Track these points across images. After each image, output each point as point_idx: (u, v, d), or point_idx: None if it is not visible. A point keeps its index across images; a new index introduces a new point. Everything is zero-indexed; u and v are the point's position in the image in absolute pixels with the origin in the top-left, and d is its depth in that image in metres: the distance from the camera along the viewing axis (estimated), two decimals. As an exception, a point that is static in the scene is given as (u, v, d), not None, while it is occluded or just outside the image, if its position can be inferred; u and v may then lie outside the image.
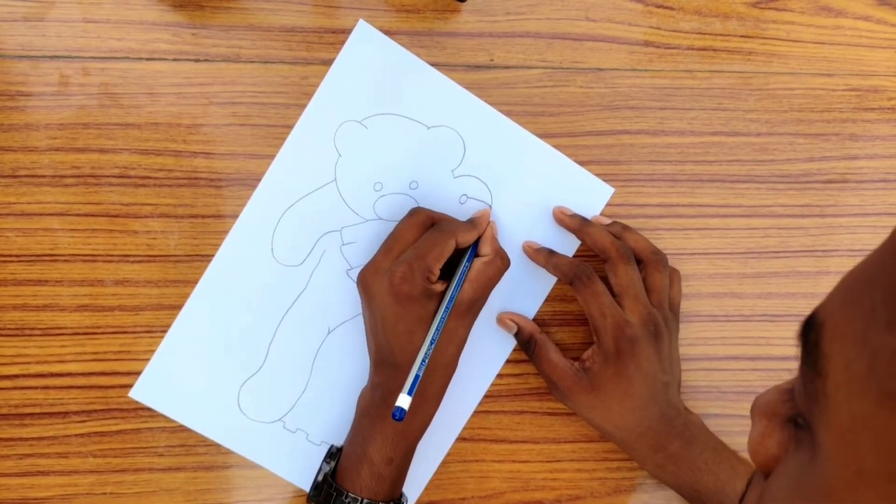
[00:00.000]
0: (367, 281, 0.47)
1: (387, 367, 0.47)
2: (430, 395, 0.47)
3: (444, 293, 0.46)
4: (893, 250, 0.21)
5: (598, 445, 0.54)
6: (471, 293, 0.47)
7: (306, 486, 0.52)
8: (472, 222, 0.49)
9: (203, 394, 0.51)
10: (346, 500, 0.45)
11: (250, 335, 0.51)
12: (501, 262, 0.48)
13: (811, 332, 0.23)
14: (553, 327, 0.53)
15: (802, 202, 0.54)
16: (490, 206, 0.52)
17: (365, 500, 0.45)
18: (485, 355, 0.53)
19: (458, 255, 0.48)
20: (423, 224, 0.48)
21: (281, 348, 0.51)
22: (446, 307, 0.45)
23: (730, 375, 0.55)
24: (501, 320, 0.52)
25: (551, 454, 0.54)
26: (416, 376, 0.43)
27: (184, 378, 0.51)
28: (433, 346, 0.44)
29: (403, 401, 0.42)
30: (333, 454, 0.49)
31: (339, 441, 0.51)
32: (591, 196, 0.53)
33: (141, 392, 0.50)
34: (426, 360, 0.44)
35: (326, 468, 0.48)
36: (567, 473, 0.54)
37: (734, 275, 0.54)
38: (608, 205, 0.53)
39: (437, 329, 0.45)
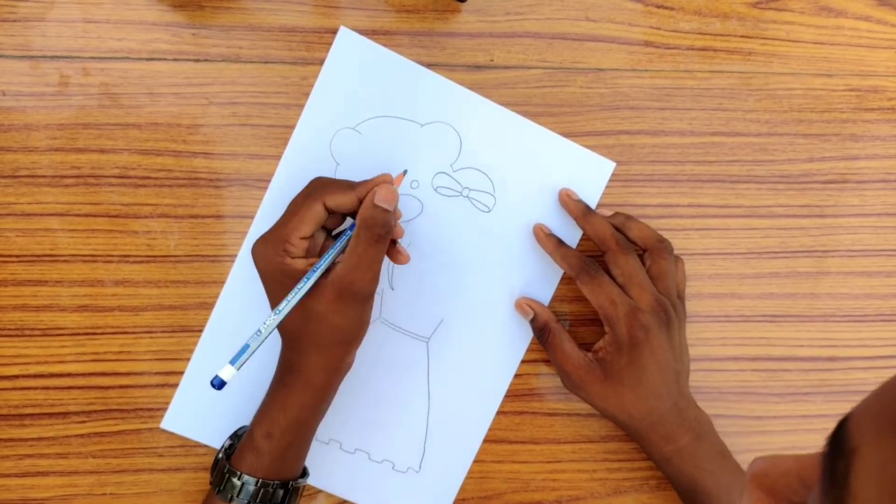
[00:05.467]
0: (251, 254, 0.45)
1: (283, 337, 0.45)
2: (308, 371, 0.44)
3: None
4: None
5: (599, 446, 0.54)
6: (342, 275, 0.41)
7: (350, 496, 0.52)
8: (351, 185, 0.43)
9: (232, 416, 0.50)
10: (238, 480, 0.43)
11: (270, 353, 0.51)
12: (381, 231, 0.41)
13: (841, 457, 0.19)
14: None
15: (802, 202, 0.54)
16: (405, 172, 0.47)
17: (251, 479, 0.43)
18: (499, 357, 0.53)
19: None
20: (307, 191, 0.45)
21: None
22: (297, 288, 0.41)
23: (730, 376, 0.55)
24: (519, 304, 0.52)
25: (551, 455, 0.54)
26: (245, 347, 0.39)
27: (210, 403, 0.51)
28: (266, 334, 0.40)
29: (224, 371, 0.39)
30: (239, 435, 0.48)
31: (378, 447, 0.51)
32: (592, 173, 0.52)
33: (172, 422, 0.51)
34: (257, 342, 0.40)
35: (226, 444, 0.46)
36: (567, 474, 0.54)
37: (734, 275, 0.54)
38: (610, 181, 0.53)
39: (280, 310, 0.41)
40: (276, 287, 0.43)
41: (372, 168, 0.50)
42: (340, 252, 0.43)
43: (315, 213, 0.42)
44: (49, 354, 0.50)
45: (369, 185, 0.43)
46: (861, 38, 0.54)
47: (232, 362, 0.39)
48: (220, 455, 0.46)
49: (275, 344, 0.46)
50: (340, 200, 0.42)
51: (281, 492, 0.44)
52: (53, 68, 0.49)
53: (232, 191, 0.50)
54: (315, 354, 0.44)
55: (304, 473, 0.48)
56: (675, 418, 0.48)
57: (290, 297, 0.41)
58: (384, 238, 0.42)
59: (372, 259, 0.42)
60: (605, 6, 0.52)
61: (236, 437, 0.48)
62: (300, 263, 0.42)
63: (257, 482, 0.43)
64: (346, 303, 0.42)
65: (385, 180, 0.44)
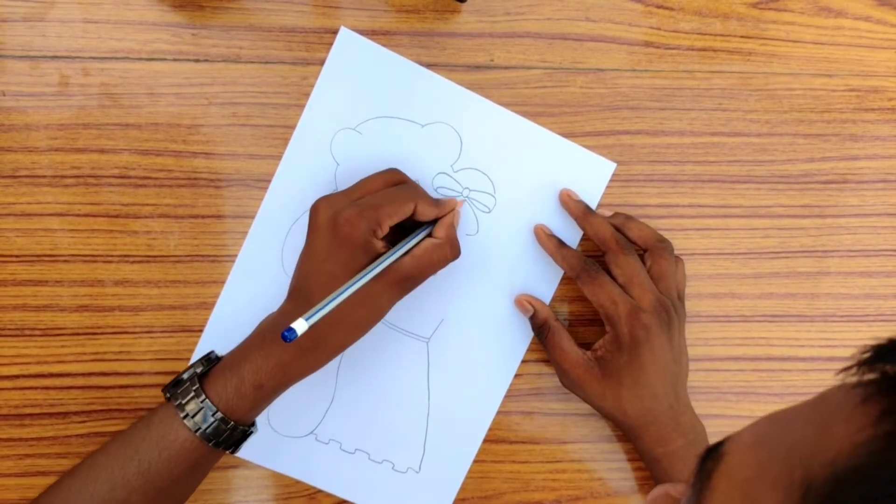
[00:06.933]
0: (316, 210, 0.46)
1: (299, 297, 0.46)
2: (326, 346, 0.46)
3: (383, 255, 0.45)
4: (811, 416, 0.22)
5: (599, 446, 0.54)
6: (408, 267, 0.46)
7: (350, 496, 0.52)
8: (436, 202, 0.48)
9: None
10: (202, 404, 0.43)
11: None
12: (451, 251, 0.47)
13: (711, 458, 0.24)
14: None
15: (802, 202, 0.54)
16: (464, 200, 0.51)
17: (218, 413, 0.43)
18: (499, 357, 0.53)
19: (414, 228, 0.48)
20: (392, 182, 0.48)
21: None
22: (376, 265, 0.44)
23: (730, 376, 0.55)
24: (519, 301, 0.52)
25: (551, 455, 0.54)
26: (321, 308, 0.41)
27: None
28: (346, 294, 0.42)
29: (299, 324, 0.39)
30: (211, 360, 0.47)
31: (378, 447, 0.51)
32: (593, 174, 0.52)
33: None
34: (335, 301, 0.41)
35: (198, 368, 0.46)
36: (567, 474, 0.54)
37: (734, 275, 0.54)
38: (610, 182, 0.53)
39: (358, 280, 0.43)
40: (348, 255, 0.45)
41: (372, 169, 0.50)
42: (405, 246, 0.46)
43: (407, 211, 0.46)
44: (49, 354, 0.50)
45: (450, 206, 0.49)
46: (861, 38, 0.54)
47: (307, 319, 0.40)
48: (189, 376, 0.45)
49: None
50: (426, 211, 0.47)
51: (237, 434, 0.44)
52: (53, 68, 0.49)
53: (232, 191, 0.50)
54: (344, 329, 0.46)
55: (254, 423, 0.47)
56: (670, 421, 0.49)
57: (368, 269, 0.44)
58: (455, 256, 0.48)
59: (437, 265, 0.47)
60: (606, 6, 0.52)
61: (207, 360, 0.47)
62: (379, 245, 0.45)
63: (220, 416, 0.43)
64: (399, 291, 0.47)
65: (459, 204, 0.50)
